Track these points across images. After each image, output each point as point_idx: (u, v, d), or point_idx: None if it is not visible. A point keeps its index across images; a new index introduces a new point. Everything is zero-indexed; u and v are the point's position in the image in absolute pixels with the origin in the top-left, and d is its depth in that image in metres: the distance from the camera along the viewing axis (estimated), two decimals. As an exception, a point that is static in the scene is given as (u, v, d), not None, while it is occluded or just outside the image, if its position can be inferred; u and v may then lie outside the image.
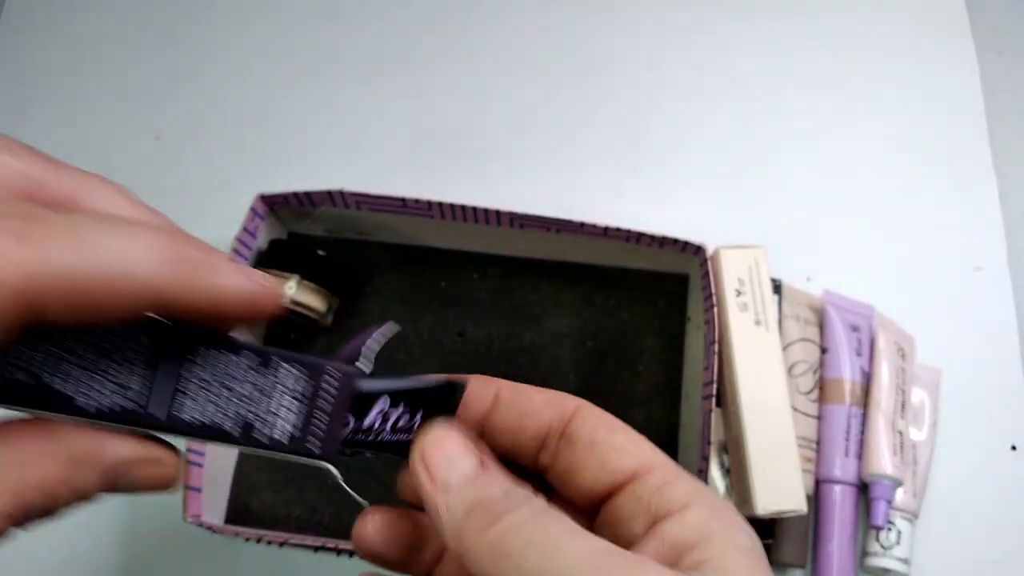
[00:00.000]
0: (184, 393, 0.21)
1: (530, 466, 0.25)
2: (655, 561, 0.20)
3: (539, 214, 0.46)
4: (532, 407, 0.25)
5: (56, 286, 0.17)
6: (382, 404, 0.24)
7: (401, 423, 0.24)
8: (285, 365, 0.23)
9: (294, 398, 0.23)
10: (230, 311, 0.21)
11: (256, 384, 0.22)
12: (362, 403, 0.24)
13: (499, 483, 0.22)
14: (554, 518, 0.21)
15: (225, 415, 0.22)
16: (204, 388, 0.22)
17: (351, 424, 0.24)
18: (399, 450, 0.24)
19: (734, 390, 0.43)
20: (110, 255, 0.17)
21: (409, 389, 0.24)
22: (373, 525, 0.25)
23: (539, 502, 0.21)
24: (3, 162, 0.19)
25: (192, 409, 0.21)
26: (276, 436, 0.22)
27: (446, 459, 0.23)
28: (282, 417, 0.22)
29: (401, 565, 0.25)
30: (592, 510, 0.24)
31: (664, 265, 0.51)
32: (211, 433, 0.22)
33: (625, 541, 0.22)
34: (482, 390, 0.25)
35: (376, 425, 0.24)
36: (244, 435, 0.22)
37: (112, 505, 0.49)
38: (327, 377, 0.23)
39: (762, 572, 0.21)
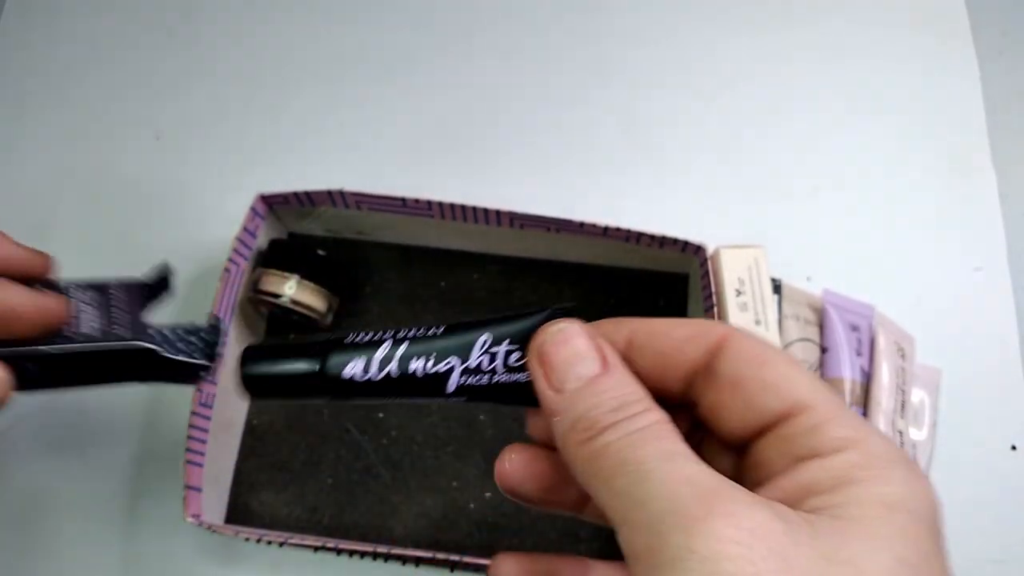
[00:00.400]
0: None
1: (675, 400, 0.23)
2: (768, 499, 0.18)
3: (539, 214, 0.46)
4: (672, 345, 0.22)
5: None
6: (484, 340, 0.23)
7: (513, 359, 0.23)
8: (79, 293, 0.32)
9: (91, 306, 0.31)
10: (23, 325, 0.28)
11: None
12: None
13: (616, 390, 0.20)
14: (654, 438, 0.19)
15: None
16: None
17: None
18: (524, 396, 0.22)
19: (734, 390, 0.43)
20: None
21: (500, 319, 0.23)
22: (511, 463, 0.24)
23: (650, 416, 0.20)
24: None
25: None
26: (84, 331, 0.30)
27: (565, 358, 0.21)
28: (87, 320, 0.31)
29: (545, 503, 0.24)
30: (740, 449, 0.22)
31: (664, 265, 0.51)
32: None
33: (763, 485, 0.20)
34: (613, 334, 0.23)
35: (485, 365, 0.23)
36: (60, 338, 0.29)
37: (112, 505, 0.49)
38: (111, 291, 0.32)
39: (910, 535, 0.18)
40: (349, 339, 0.23)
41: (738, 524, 0.17)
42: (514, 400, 0.23)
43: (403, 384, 0.22)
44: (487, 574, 0.24)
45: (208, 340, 0.32)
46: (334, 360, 0.23)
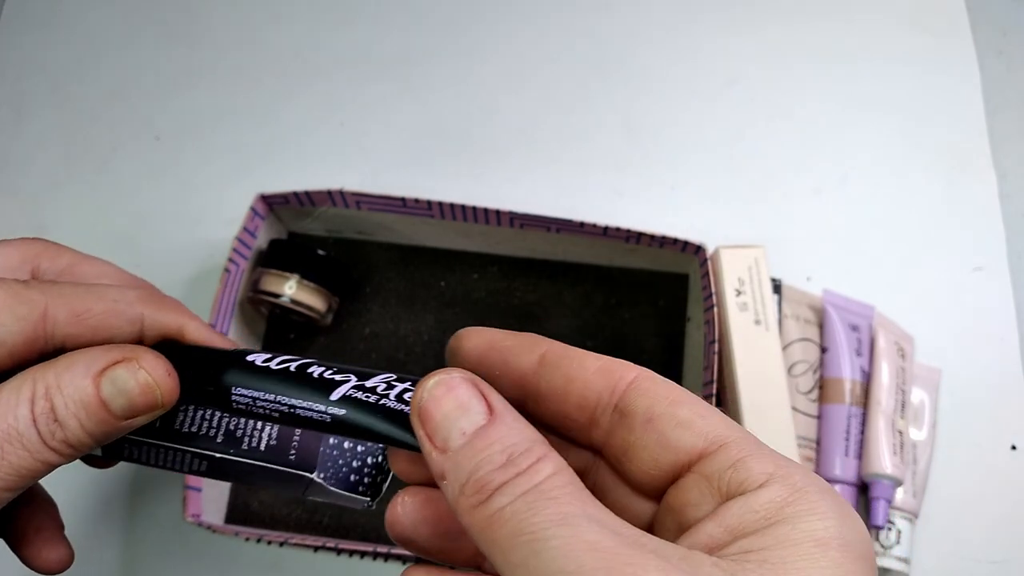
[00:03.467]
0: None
1: (584, 443, 0.22)
2: (688, 551, 0.17)
3: (539, 214, 0.46)
4: (581, 373, 0.21)
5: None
6: (389, 376, 0.22)
7: (408, 396, 0.22)
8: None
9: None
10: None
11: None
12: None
13: (504, 440, 0.19)
14: (550, 498, 0.17)
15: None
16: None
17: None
18: (404, 427, 0.22)
19: (734, 390, 0.43)
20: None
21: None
22: (403, 507, 0.22)
23: (545, 469, 0.18)
24: (29, 246, 0.26)
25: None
26: (262, 442, 0.26)
27: (446, 413, 0.19)
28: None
29: (440, 553, 0.22)
30: (656, 494, 0.21)
31: (664, 265, 0.51)
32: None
33: (687, 531, 0.19)
34: (528, 348, 0.21)
35: (379, 389, 0.22)
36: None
37: (112, 505, 0.49)
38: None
39: (843, 572, 0.17)
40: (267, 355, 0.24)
41: None
42: (393, 436, 0.22)
43: (298, 378, 0.22)
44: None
45: (376, 476, 0.27)
46: (244, 352, 0.24)
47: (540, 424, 0.20)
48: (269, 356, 0.23)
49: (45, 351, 0.23)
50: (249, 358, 0.23)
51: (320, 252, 0.50)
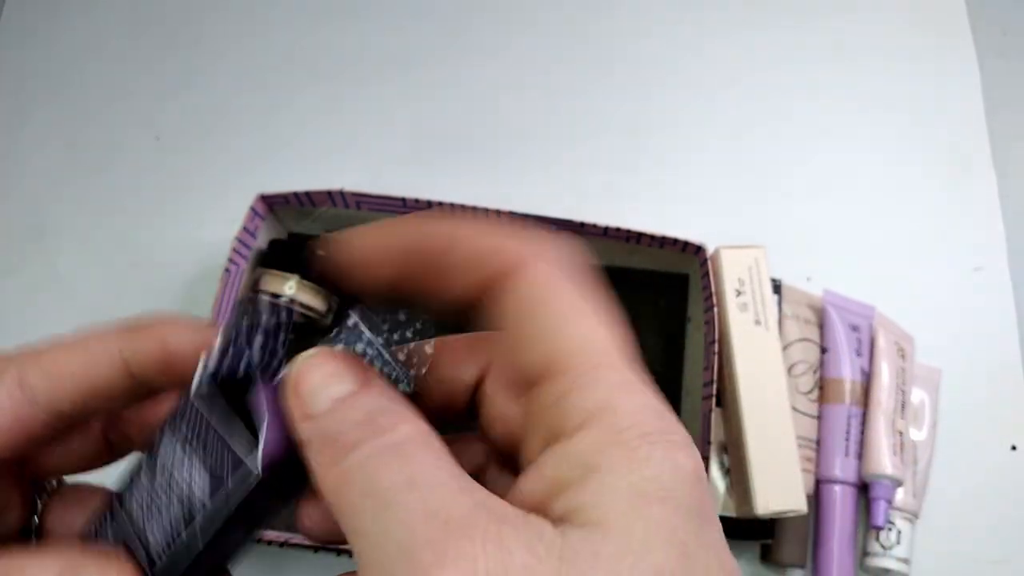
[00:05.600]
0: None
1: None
2: (528, 516, 0.16)
3: (539, 214, 0.46)
4: (454, 263, 0.19)
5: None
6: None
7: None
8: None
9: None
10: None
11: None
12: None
13: (366, 406, 0.17)
14: (402, 458, 0.16)
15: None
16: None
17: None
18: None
19: (734, 390, 0.43)
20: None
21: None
22: (309, 518, 0.21)
23: (403, 430, 0.17)
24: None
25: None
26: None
27: (317, 382, 0.18)
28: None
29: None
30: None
31: (664, 265, 0.51)
32: None
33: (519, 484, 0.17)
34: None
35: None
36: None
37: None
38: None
39: (669, 531, 0.15)
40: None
41: (471, 571, 0.14)
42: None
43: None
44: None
45: None
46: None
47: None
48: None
49: (48, 423, 0.21)
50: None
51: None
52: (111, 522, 0.21)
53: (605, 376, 0.17)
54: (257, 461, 0.19)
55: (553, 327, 0.17)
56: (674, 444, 0.16)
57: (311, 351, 0.19)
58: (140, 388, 0.22)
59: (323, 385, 0.18)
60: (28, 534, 0.23)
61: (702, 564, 0.15)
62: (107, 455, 0.25)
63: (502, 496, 0.16)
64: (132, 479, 0.21)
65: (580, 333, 0.17)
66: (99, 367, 0.22)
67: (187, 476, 0.20)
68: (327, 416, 0.17)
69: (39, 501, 0.24)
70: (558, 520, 0.16)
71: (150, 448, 0.21)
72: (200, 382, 0.20)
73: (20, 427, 0.21)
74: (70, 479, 0.26)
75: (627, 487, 0.15)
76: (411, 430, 0.17)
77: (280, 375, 0.19)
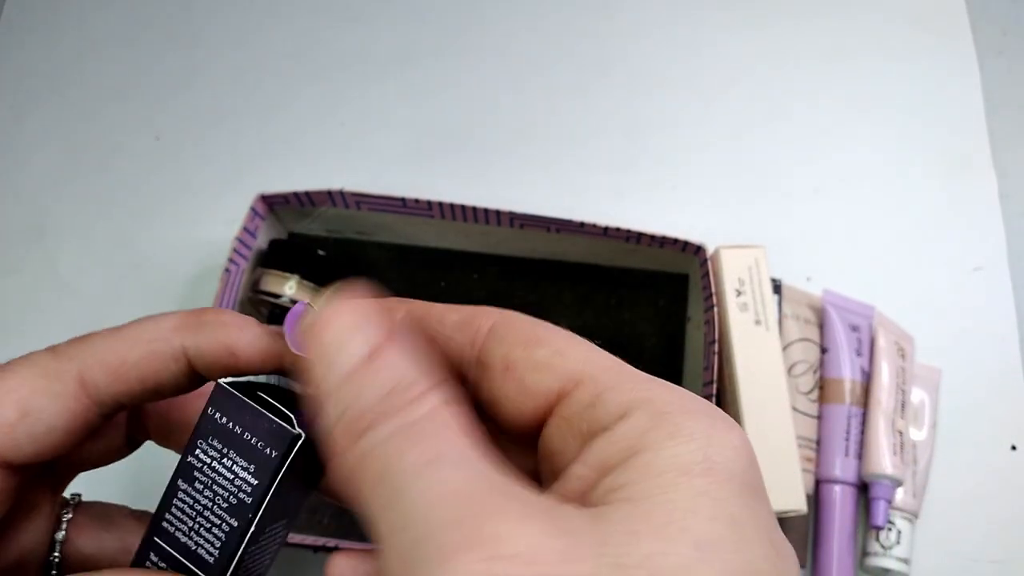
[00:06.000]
0: None
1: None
2: (554, 501, 0.15)
3: (539, 214, 0.46)
4: (441, 330, 0.20)
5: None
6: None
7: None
8: None
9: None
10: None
11: None
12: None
13: (390, 370, 0.16)
14: (426, 436, 0.16)
15: None
16: None
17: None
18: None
19: (734, 390, 0.43)
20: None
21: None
22: (338, 568, 0.20)
23: (428, 402, 0.16)
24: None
25: None
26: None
27: (333, 338, 0.17)
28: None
29: None
30: (532, 444, 0.19)
31: (664, 265, 0.51)
32: None
33: (558, 477, 0.17)
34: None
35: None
36: None
37: (112, 505, 0.49)
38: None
39: (714, 502, 0.15)
40: None
41: (499, 553, 0.14)
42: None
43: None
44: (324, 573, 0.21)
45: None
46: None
47: None
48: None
49: (100, 416, 0.21)
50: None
51: (320, 252, 0.50)
52: (156, 544, 0.21)
53: (631, 376, 0.17)
54: (294, 423, 0.19)
55: (559, 351, 0.18)
56: (721, 419, 0.16)
57: (327, 298, 0.18)
58: (193, 384, 0.22)
59: (341, 343, 0.17)
60: (51, 548, 0.23)
61: (753, 538, 0.15)
62: (126, 448, 0.25)
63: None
64: (168, 495, 0.21)
65: (583, 354, 0.18)
66: (164, 362, 0.21)
67: (228, 464, 0.20)
68: (346, 383, 0.17)
69: (62, 516, 0.24)
70: (600, 503, 0.15)
71: (182, 458, 0.21)
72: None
73: (81, 426, 0.21)
74: (86, 496, 0.25)
75: (672, 461, 0.15)
76: (434, 401, 0.16)
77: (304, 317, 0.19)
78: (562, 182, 0.56)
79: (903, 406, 0.48)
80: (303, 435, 0.20)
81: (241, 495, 0.20)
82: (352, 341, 0.17)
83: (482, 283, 0.52)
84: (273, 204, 0.49)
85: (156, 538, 0.21)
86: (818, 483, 0.47)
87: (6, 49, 0.61)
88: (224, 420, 0.20)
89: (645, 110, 0.58)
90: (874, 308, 0.51)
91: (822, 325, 0.50)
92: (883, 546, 0.46)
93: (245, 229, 0.47)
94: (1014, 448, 0.49)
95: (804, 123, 0.58)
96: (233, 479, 0.20)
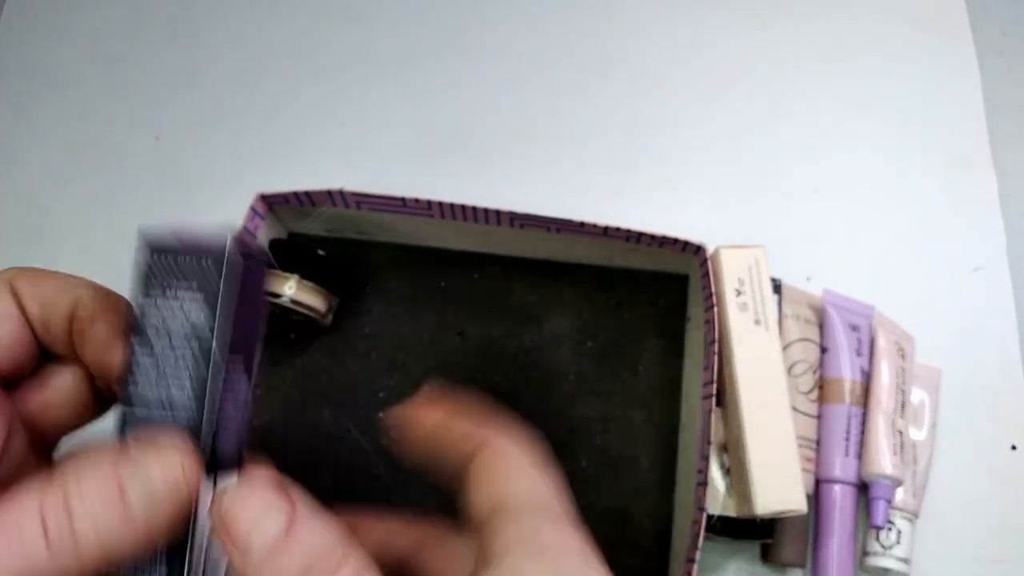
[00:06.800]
0: None
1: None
2: None
3: (539, 214, 0.46)
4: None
5: None
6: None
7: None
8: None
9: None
10: None
11: None
12: None
13: (304, 546, 0.18)
14: None
15: None
16: None
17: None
18: None
19: (734, 390, 0.43)
20: None
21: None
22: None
23: (348, 569, 0.18)
24: None
25: None
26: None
27: (247, 521, 0.18)
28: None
29: None
30: None
31: (664, 265, 0.51)
32: None
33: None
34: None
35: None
36: None
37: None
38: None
39: None
40: None
41: None
42: None
43: None
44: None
45: None
46: None
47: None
48: None
49: (30, 341, 0.23)
50: None
51: (320, 252, 0.50)
52: (132, 421, 0.21)
53: (535, 515, 0.20)
54: (227, 237, 0.21)
55: (502, 480, 0.21)
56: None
57: (238, 482, 0.19)
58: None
59: (254, 526, 0.18)
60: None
61: None
62: (96, 404, 0.25)
63: None
64: (129, 371, 0.21)
65: (524, 485, 0.21)
66: (77, 288, 0.24)
67: (180, 315, 0.21)
68: (267, 562, 0.18)
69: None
70: None
71: (134, 332, 0.22)
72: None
73: (18, 341, 0.22)
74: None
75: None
76: (355, 566, 0.18)
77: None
78: (562, 182, 0.56)
79: (903, 406, 0.48)
80: (234, 234, 0.21)
81: (202, 332, 0.21)
82: (267, 518, 0.18)
83: (482, 283, 0.52)
84: (273, 204, 0.49)
85: (131, 408, 0.21)
86: (818, 483, 0.47)
87: (6, 49, 0.61)
88: (165, 277, 0.22)
89: (645, 110, 0.59)
90: (874, 308, 0.51)
91: (822, 325, 0.50)
92: (883, 546, 0.46)
93: (245, 229, 0.47)
94: (1014, 448, 0.49)
95: (804, 123, 0.58)
96: (192, 322, 0.21)
